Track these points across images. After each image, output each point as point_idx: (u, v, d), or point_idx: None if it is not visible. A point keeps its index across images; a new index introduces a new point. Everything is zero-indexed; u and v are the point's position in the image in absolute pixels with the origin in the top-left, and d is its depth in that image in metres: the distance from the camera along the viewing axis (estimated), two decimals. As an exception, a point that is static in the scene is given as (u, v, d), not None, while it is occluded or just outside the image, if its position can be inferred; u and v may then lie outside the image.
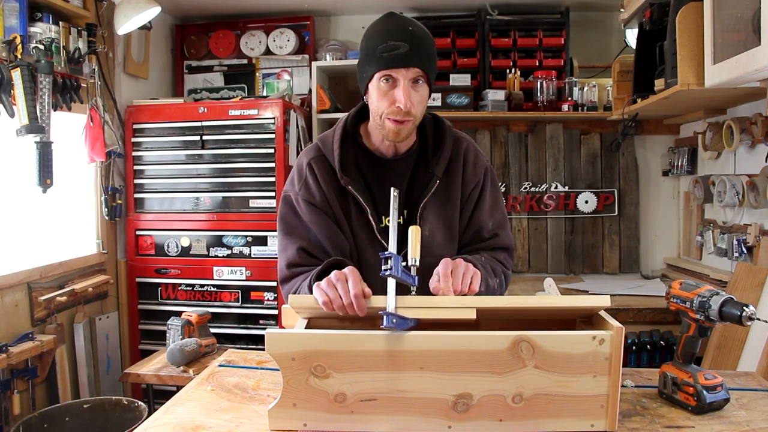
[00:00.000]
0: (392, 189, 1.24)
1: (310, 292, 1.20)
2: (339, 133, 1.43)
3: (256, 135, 3.05)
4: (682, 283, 1.27)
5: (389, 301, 1.09)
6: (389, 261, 1.11)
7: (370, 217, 1.39)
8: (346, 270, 1.16)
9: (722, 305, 1.16)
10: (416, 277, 1.15)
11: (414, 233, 1.20)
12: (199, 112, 3.07)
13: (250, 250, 3.07)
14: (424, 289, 1.36)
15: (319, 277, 1.23)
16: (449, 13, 3.53)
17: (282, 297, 3.02)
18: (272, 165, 3.02)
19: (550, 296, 1.19)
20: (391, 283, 1.11)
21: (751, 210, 2.55)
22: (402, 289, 1.13)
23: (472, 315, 1.11)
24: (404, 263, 1.15)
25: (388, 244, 1.19)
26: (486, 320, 1.18)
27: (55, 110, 2.50)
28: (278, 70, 3.64)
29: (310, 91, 3.45)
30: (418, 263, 1.16)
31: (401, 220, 1.40)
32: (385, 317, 1.06)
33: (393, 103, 1.30)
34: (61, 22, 2.59)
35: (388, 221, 1.37)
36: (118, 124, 3.08)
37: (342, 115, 1.51)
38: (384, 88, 1.31)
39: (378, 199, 1.40)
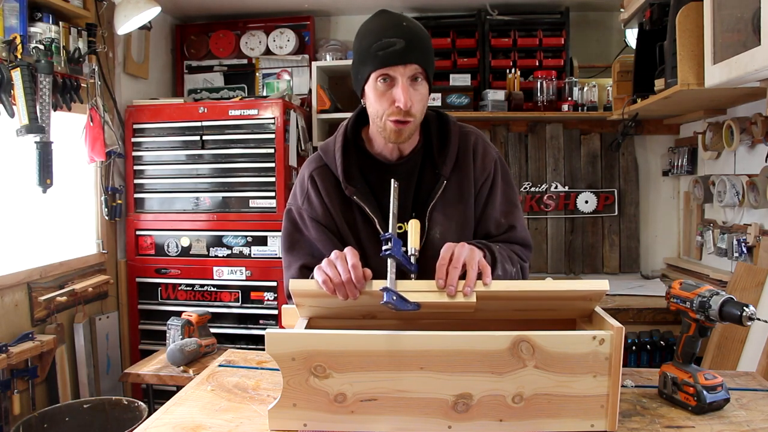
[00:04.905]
0: (392, 181, 1.22)
1: None
2: (340, 140, 1.38)
3: (256, 135, 3.04)
4: (682, 283, 1.27)
5: (390, 280, 1.10)
6: (389, 242, 1.11)
7: (378, 227, 1.33)
8: (346, 249, 1.16)
9: (722, 305, 1.16)
10: (416, 266, 1.15)
11: (414, 225, 1.20)
12: (199, 112, 3.07)
13: (250, 250, 3.07)
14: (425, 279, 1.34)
15: None
16: (449, 13, 3.53)
17: (282, 297, 3.03)
18: (272, 165, 3.02)
19: (548, 281, 1.18)
20: (391, 264, 1.11)
21: (751, 210, 2.55)
22: (402, 277, 1.14)
23: (471, 299, 1.11)
24: (404, 249, 1.15)
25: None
26: (486, 320, 1.18)
27: (55, 110, 2.50)
28: (278, 70, 3.63)
29: (310, 91, 3.45)
30: (417, 253, 1.16)
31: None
32: (385, 293, 1.05)
33: (392, 104, 1.24)
34: (61, 22, 2.59)
35: (398, 228, 1.36)
36: (118, 124, 3.08)
37: (342, 116, 1.49)
38: (381, 89, 1.25)
39: (385, 206, 1.30)
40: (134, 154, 3.15)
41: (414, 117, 1.28)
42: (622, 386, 1.27)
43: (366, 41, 1.27)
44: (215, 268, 3.09)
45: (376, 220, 1.34)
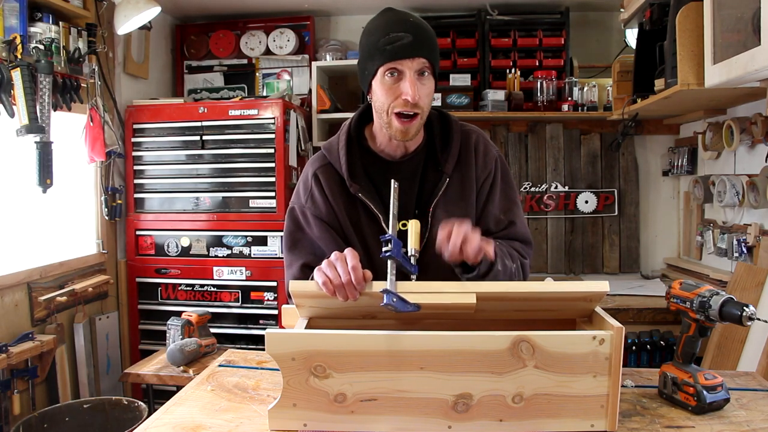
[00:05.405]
0: (392, 181, 1.23)
1: None
2: (344, 138, 1.39)
3: (256, 135, 3.04)
4: (682, 283, 1.27)
5: (390, 282, 1.10)
6: (389, 243, 1.11)
7: (383, 224, 1.34)
8: (346, 250, 1.16)
9: (722, 305, 1.16)
10: (416, 267, 1.16)
11: (414, 226, 1.20)
12: (199, 112, 3.07)
13: (250, 250, 3.07)
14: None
15: None
16: (449, 13, 3.53)
17: (282, 297, 3.03)
18: (272, 165, 3.02)
19: (548, 282, 1.18)
20: (392, 265, 1.11)
21: (751, 210, 2.55)
22: (402, 278, 1.14)
23: (471, 300, 1.11)
24: (404, 250, 1.15)
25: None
26: (486, 320, 1.18)
27: (55, 110, 2.50)
28: (278, 70, 3.63)
29: (310, 91, 3.45)
30: (417, 254, 1.17)
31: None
32: (385, 295, 1.06)
33: (399, 97, 1.26)
34: (61, 22, 2.59)
35: (402, 225, 1.36)
36: (118, 124, 3.08)
37: (343, 116, 1.49)
38: (389, 82, 1.27)
39: (389, 204, 1.32)
40: (134, 154, 3.15)
41: (421, 110, 1.29)
42: (622, 386, 1.27)
43: (373, 37, 1.29)
44: (215, 268, 3.09)
45: (380, 218, 1.35)
